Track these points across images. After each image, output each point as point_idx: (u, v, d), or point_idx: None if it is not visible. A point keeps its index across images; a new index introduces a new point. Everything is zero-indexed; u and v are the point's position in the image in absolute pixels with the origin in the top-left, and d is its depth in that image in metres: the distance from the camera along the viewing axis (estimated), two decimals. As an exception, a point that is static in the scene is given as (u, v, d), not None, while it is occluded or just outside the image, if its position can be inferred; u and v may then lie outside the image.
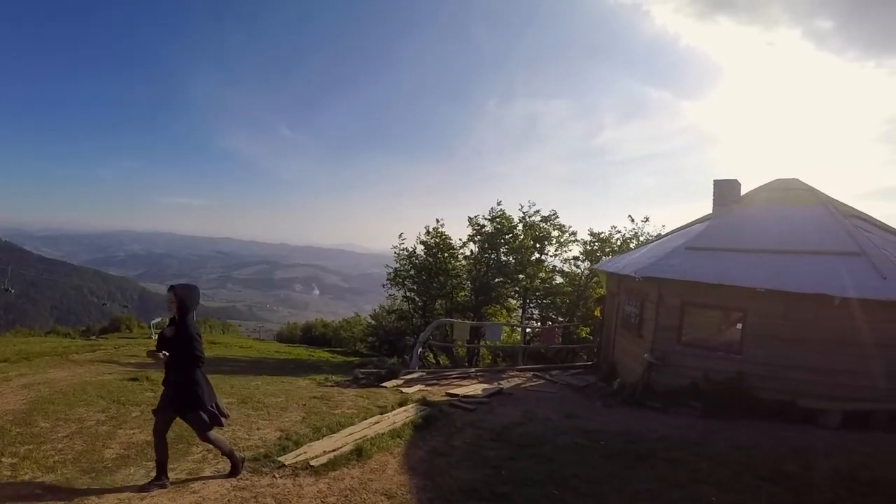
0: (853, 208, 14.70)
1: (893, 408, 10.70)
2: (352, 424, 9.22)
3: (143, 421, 8.79)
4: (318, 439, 8.19)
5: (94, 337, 32.36)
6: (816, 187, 15.09)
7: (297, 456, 7.37)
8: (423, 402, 11.67)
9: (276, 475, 6.82)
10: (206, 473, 6.87)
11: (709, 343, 12.84)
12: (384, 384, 13.83)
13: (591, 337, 24.85)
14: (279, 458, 7.26)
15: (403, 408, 10.84)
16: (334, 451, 7.68)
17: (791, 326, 11.52)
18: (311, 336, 44.50)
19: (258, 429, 8.71)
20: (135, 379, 12.23)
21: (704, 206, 16.42)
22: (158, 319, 31.18)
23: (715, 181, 15.73)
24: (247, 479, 6.66)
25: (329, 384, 13.60)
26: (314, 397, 11.35)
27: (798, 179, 15.58)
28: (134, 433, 8.24)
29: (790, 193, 14.92)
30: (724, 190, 15.56)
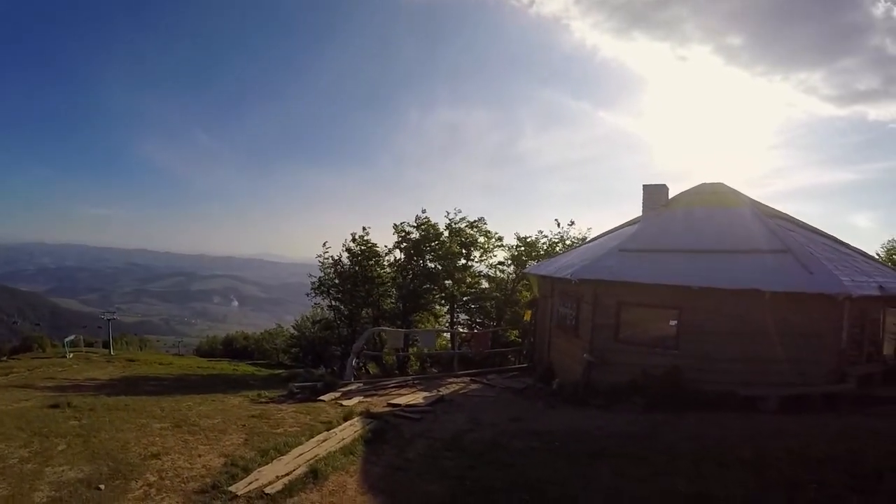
0: (775, 209, 15.57)
1: (825, 390, 11.39)
2: (299, 444, 8.65)
3: (71, 455, 7.78)
4: (267, 463, 7.61)
5: (4, 358, 29.69)
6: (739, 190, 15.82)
7: (250, 484, 6.79)
8: (368, 414, 11.27)
9: (230, 508, 6.22)
10: (153, 513, 6.12)
11: (646, 340, 13.10)
12: (322, 398, 13.27)
13: (520, 340, 25.00)
14: (230, 489, 6.64)
15: (349, 422, 10.39)
16: (288, 475, 7.15)
17: (725, 321, 12.05)
18: (233, 349, 42.80)
19: (199, 455, 7.96)
20: (56, 406, 11.01)
21: (622, 210, 16.96)
22: (72, 338, 29.00)
23: (644, 186, 16.20)
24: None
25: (263, 400, 12.86)
26: (252, 416, 10.63)
27: (723, 183, 16.35)
28: (64, 471, 7.21)
29: (716, 196, 15.60)
30: (653, 194, 16.05)
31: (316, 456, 8.00)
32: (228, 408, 11.63)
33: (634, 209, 16.71)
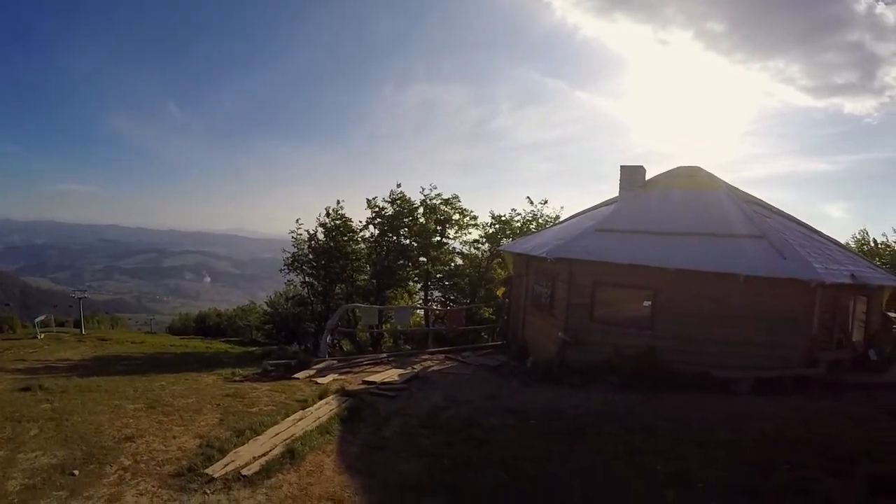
0: (750, 195, 15.80)
1: (797, 374, 11.71)
2: (275, 423, 8.54)
3: (43, 440, 7.53)
4: (243, 444, 7.49)
5: (-28, 340, 28.78)
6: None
7: (226, 466, 6.67)
8: (343, 392, 11.22)
9: (207, 490, 6.12)
10: (129, 498, 5.95)
11: (621, 320, 13.24)
12: (296, 375, 13.16)
13: (493, 317, 25.14)
14: (206, 471, 6.52)
15: (324, 400, 10.33)
16: (264, 455, 7.05)
17: (700, 303, 12.26)
18: (206, 326, 42.27)
19: (174, 437, 7.80)
20: (27, 388, 10.64)
21: (598, 190, 17.05)
22: (43, 317, 28.26)
23: (622, 167, 16.26)
24: (175, 499, 5.94)
25: (238, 379, 12.68)
26: (227, 395, 10.48)
27: (699, 167, 16.51)
28: (37, 456, 6.96)
29: (692, 180, 15.75)
30: (630, 175, 16.12)
31: (292, 435, 7.92)
32: (202, 387, 11.45)
33: (609, 190, 16.81)
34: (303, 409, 9.67)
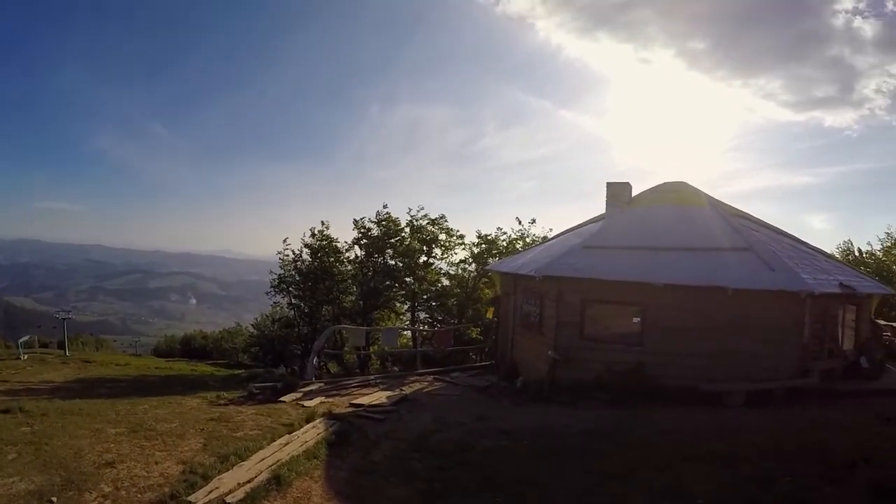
0: (736, 208, 15.86)
1: (788, 385, 11.72)
2: (261, 448, 8.26)
3: (21, 465, 7.20)
4: (227, 470, 7.21)
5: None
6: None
7: (210, 493, 6.40)
8: (331, 415, 10.97)
9: (190, 519, 5.82)
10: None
11: (610, 337, 13.18)
12: (283, 399, 12.87)
13: (481, 338, 24.97)
14: (189, 499, 6.26)
15: (311, 424, 10.08)
16: (249, 482, 6.77)
17: (689, 317, 12.24)
18: (191, 349, 41.64)
19: (156, 463, 7.51)
20: (6, 411, 10.26)
21: (583, 208, 17.03)
22: (27, 338, 27.61)
23: (608, 183, 16.31)
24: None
25: (222, 402, 12.36)
26: (211, 419, 10.17)
27: (685, 182, 16.61)
28: (14, 482, 6.63)
29: (678, 195, 15.83)
30: (617, 191, 16.17)
31: (278, 461, 7.66)
32: (186, 410, 11.13)
33: (594, 208, 16.87)
34: (289, 433, 9.40)
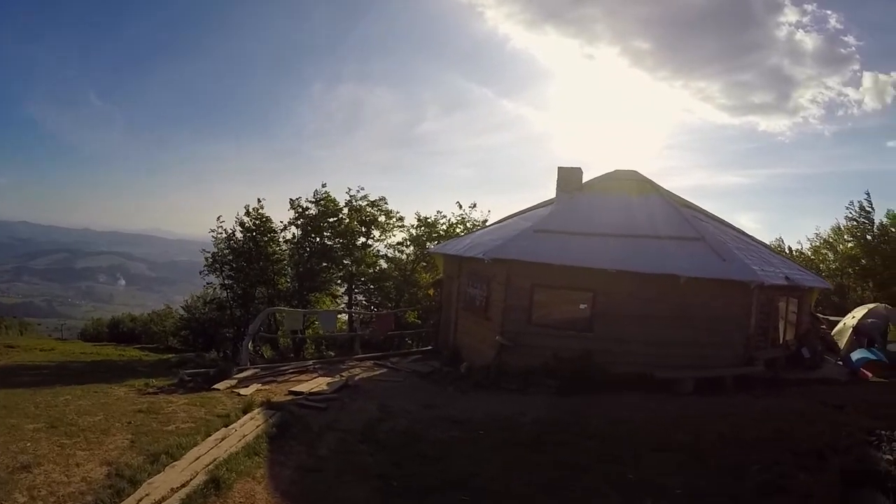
0: (686, 200, 15.98)
1: (738, 372, 11.89)
2: (195, 445, 7.38)
3: None
4: (159, 472, 6.36)
5: None
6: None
7: (139, 501, 5.59)
8: (269, 405, 10.24)
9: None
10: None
11: (560, 322, 12.99)
12: (216, 386, 11.99)
13: (419, 321, 24.64)
14: (116, 509, 5.41)
15: (249, 415, 9.32)
16: (184, 486, 5.97)
17: (640, 304, 12.24)
18: (119, 332, 39.45)
19: (78, 465, 6.51)
20: None
21: (520, 198, 16.80)
22: None
23: (559, 168, 16.15)
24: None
25: (152, 391, 11.31)
26: (139, 411, 9.15)
27: (636, 171, 16.65)
28: None
29: (630, 183, 15.87)
30: (568, 177, 16.00)
31: (215, 459, 6.89)
32: (112, 401, 10.01)
33: (531, 197, 16.70)
34: (225, 425, 8.59)
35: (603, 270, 11.94)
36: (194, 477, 6.30)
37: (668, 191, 15.98)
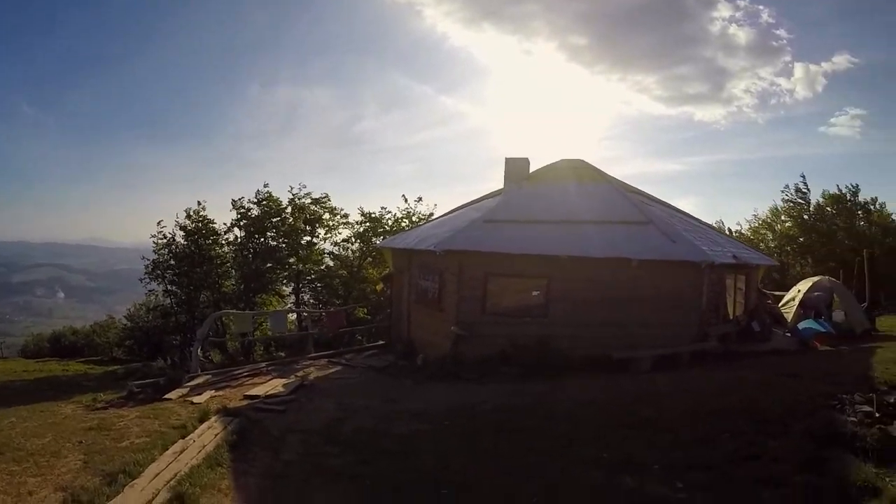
0: (632, 186, 16.32)
1: (691, 349, 12.33)
2: (153, 460, 6.99)
3: None
4: (118, 493, 5.98)
5: None
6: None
7: None
8: (226, 411, 9.95)
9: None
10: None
11: (514, 310, 13.12)
12: (168, 396, 11.52)
13: (369, 317, 24.45)
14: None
15: (206, 424, 9.00)
16: None
17: (594, 288, 12.49)
18: (62, 346, 37.44)
19: (30, 493, 6.07)
20: None
21: (460, 192, 16.91)
22: None
23: (507, 159, 16.28)
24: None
25: (101, 406, 10.69)
26: (90, 428, 8.60)
27: (583, 160, 16.82)
28: None
29: (577, 171, 16.12)
30: (515, 167, 16.13)
31: (177, 474, 6.55)
32: (60, 420, 9.38)
33: (471, 191, 16.86)
34: (182, 437, 8.25)
35: (556, 257, 12.15)
36: (156, 495, 5.99)
37: (613, 177, 16.32)
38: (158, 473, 6.64)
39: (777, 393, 8.02)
